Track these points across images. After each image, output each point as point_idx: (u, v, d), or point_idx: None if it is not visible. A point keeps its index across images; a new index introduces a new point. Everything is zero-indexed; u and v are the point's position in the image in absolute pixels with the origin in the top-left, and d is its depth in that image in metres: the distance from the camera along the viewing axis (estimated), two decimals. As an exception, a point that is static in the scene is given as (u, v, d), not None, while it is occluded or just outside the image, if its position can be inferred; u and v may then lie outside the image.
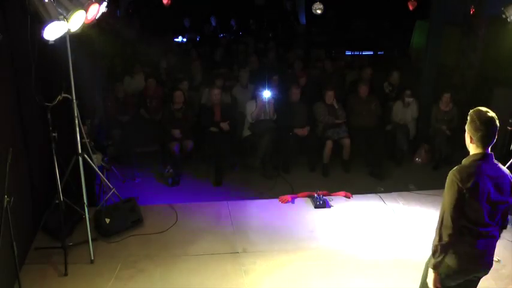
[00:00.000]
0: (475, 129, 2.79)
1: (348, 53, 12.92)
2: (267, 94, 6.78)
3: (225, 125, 6.77)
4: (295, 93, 7.11)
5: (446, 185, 2.77)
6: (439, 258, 2.79)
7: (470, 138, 2.84)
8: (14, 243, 3.53)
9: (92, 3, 3.93)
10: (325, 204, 5.58)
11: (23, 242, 4.28)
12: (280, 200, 5.71)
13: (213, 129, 6.78)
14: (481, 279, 3.07)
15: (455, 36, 9.00)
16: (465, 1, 8.66)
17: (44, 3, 3.48)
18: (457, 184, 2.70)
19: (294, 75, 8.37)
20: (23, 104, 4.44)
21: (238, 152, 7.08)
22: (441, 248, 2.77)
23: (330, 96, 7.01)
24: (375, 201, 5.73)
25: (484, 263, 2.94)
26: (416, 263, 4.10)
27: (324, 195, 5.72)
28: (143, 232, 4.95)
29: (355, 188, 6.08)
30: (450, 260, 2.86)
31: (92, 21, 4.09)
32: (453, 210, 2.71)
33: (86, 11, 3.85)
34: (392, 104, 7.49)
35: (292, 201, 5.71)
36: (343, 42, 12.82)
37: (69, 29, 3.75)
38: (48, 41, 3.60)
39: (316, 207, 5.56)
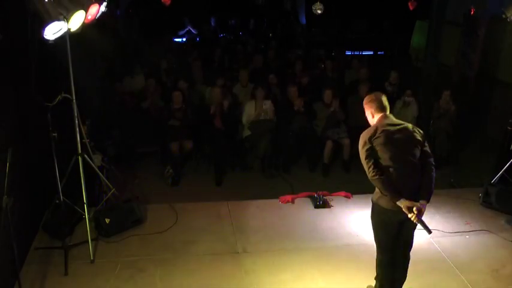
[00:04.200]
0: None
1: (348, 53, 12.93)
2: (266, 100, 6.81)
3: (218, 123, 6.76)
4: (292, 91, 7.11)
5: None
6: None
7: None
8: (14, 243, 3.53)
9: (92, 3, 3.93)
10: (325, 204, 5.58)
11: (23, 242, 4.29)
12: (280, 200, 5.71)
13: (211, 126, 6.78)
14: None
15: (455, 36, 9.01)
16: (465, 1, 8.67)
17: (44, 3, 3.48)
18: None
19: (294, 75, 8.37)
20: (23, 104, 4.44)
21: (238, 152, 7.07)
22: None
23: (328, 95, 7.01)
24: (375, 201, 5.72)
25: None
26: (416, 263, 4.11)
27: (324, 195, 5.72)
28: (143, 232, 4.95)
29: (355, 188, 6.07)
30: None
31: (92, 21, 4.10)
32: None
33: (86, 11, 3.85)
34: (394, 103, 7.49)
35: (292, 201, 5.71)
36: (343, 42, 12.82)
37: (69, 29, 3.75)
38: (48, 41, 3.60)
39: (316, 207, 5.56)
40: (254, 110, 6.89)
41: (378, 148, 3.42)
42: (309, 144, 7.05)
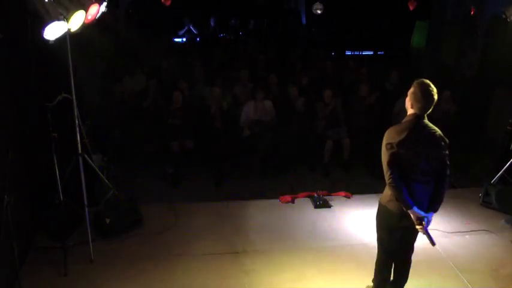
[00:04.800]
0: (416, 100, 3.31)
1: (348, 53, 12.92)
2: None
3: (218, 123, 6.76)
4: (293, 91, 7.12)
5: None
6: None
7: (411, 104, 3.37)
8: (14, 243, 3.53)
9: (92, 3, 3.93)
10: (325, 204, 5.59)
11: (23, 242, 4.29)
12: (280, 200, 5.71)
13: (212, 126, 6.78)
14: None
15: (455, 36, 9.01)
16: (465, 1, 8.67)
17: (44, 3, 3.48)
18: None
19: (294, 75, 8.38)
20: (22, 104, 4.44)
21: (238, 152, 7.07)
22: None
23: (328, 95, 7.01)
24: (375, 201, 5.69)
25: None
26: (416, 263, 4.11)
27: (324, 195, 5.72)
28: (143, 232, 4.95)
29: (355, 188, 6.08)
30: None
31: (92, 21, 4.10)
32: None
33: (86, 11, 3.85)
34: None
35: (292, 201, 5.71)
36: (343, 42, 12.82)
37: (69, 29, 3.75)
38: (48, 41, 3.60)
39: (316, 207, 5.57)
40: (254, 110, 6.89)
41: (402, 153, 3.28)
42: (309, 144, 7.05)
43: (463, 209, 5.58)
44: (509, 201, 5.44)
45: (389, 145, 3.29)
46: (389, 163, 3.28)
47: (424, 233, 3.35)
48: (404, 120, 3.42)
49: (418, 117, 3.34)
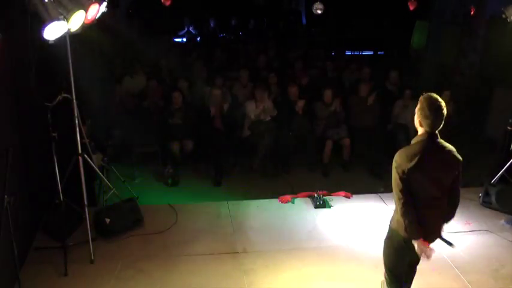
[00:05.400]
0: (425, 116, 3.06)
1: (348, 53, 12.92)
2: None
3: (218, 124, 6.76)
4: (293, 91, 7.11)
5: None
6: None
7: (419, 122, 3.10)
8: (14, 243, 3.53)
9: (92, 3, 3.93)
10: (325, 204, 5.58)
11: (23, 242, 4.28)
12: (280, 200, 5.71)
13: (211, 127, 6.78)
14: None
15: (455, 36, 9.01)
16: (465, 1, 8.67)
17: (44, 3, 3.49)
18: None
19: (294, 75, 8.37)
20: (22, 104, 4.44)
21: (238, 152, 7.07)
22: None
23: (328, 95, 7.01)
24: (375, 201, 5.73)
25: None
26: (416, 263, 4.11)
27: (324, 195, 5.72)
28: (143, 232, 4.95)
29: (355, 188, 6.07)
30: None
31: (92, 21, 4.10)
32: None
33: (86, 11, 3.85)
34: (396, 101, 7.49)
35: (292, 201, 5.71)
36: (343, 42, 12.81)
37: (69, 29, 3.75)
38: (48, 41, 3.60)
39: (316, 207, 5.56)
40: (254, 110, 6.89)
41: (412, 180, 3.04)
42: (309, 144, 7.05)
43: (463, 209, 5.55)
44: (509, 201, 5.44)
45: (401, 171, 3.03)
46: (402, 191, 3.05)
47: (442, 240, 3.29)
48: (415, 141, 3.13)
49: (430, 137, 3.08)
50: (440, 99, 3.10)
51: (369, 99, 7.20)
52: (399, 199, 3.07)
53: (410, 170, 3.01)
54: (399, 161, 3.06)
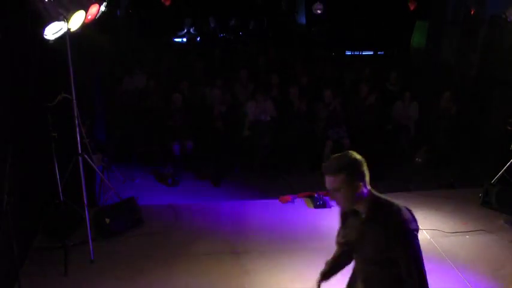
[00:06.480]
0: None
1: (348, 53, 12.91)
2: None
3: (218, 124, 6.77)
4: (293, 92, 7.12)
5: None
6: None
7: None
8: (14, 243, 3.53)
9: (92, 3, 3.93)
10: (325, 204, 5.58)
11: (23, 242, 4.28)
12: (280, 200, 5.71)
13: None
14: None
15: (455, 36, 9.01)
16: (465, 1, 8.67)
17: (44, 3, 3.49)
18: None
19: (294, 75, 8.38)
20: (22, 104, 4.43)
21: (238, 152, 7.07)
22: None
23: (328, 95, 7.01)
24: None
25: None
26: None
27: (324, 195, 5.71)
28: (143, 232, 4.95)
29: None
30: None
31: (92, 21, 4.10)
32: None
33: (86, 11, 3.85)
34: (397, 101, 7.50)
35: (292, 201, 5.71)
36: (343, 42, 12.81)
37: (69, 29, 3.75)
38: (48, 41, 3.60)
39: (316, 207, 5.56)
40: (255, 110, 6.90)
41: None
42: (309, 144, 7.05)
43: (463, 209, 5.57)
44: (509, 201, 5.43)
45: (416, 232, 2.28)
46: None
47: None
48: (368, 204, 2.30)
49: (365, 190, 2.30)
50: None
51: (369, 99, 7.21)
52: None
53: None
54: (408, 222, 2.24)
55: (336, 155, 2.40)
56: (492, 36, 8.19)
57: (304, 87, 7.74)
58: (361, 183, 2.26)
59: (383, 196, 2.33)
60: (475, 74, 8.67)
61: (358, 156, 2.32)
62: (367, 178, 2.32)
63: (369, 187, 2.31)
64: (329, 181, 2.36)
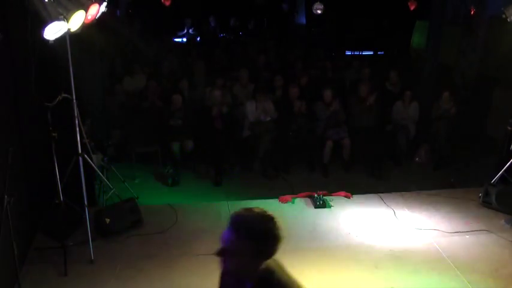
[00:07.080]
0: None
1: (348, 53, 12.92)
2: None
3: (218, 124, 6.77)
4: (293, 92, 7.12)
5: None
6: None
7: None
8: (14, 243, 3.53)
9: (92, 3, 3.93)
10: (325, 204, 5.58)
11: (23, 242, 4.28)
12: (280, 200, 5.71)
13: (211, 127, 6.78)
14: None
15: (455, 36, 9.01)
16: (465, 1, 8.67)
17: (44, 3, 3.49)
18: None
19: (294, 75, 8.38)
20: (22, 104, 4.44)
21: (238, 152, 7.07)
22: None
23: (328, 95, 7.01)
24: (375, 201, 5.73)
25: None
26: (416, 263, 4.12)
27: (324, 195, 5.72)
28: (143, 232, 4.95)
29: (355, 188, 6.07)
30: None
31: (92, 21, 4.10)
32: None
33: (86, 11, 3.85)
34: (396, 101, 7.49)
35: (292, 201, 5.71)
36: (343, 42, 12.81)
37: (69, 29, 3.75)
38: (48, 41, 3.60)
39: (316, 207, 5.56)
40: (255, 110, 6.89)
41: None
42: (309, 144, 7.05)
43: (463, 209, 5.57)
44: (509, 201, 5.43)
45: None
46: None
47: None
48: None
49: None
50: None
51: (369, 99, 7.21)
52: None
53: None
54: None
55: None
56: (492, 36, 8.19)
57: (304, 87, 7.74)
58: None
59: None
60: (475, 74, 8.67)
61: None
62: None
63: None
64: None
